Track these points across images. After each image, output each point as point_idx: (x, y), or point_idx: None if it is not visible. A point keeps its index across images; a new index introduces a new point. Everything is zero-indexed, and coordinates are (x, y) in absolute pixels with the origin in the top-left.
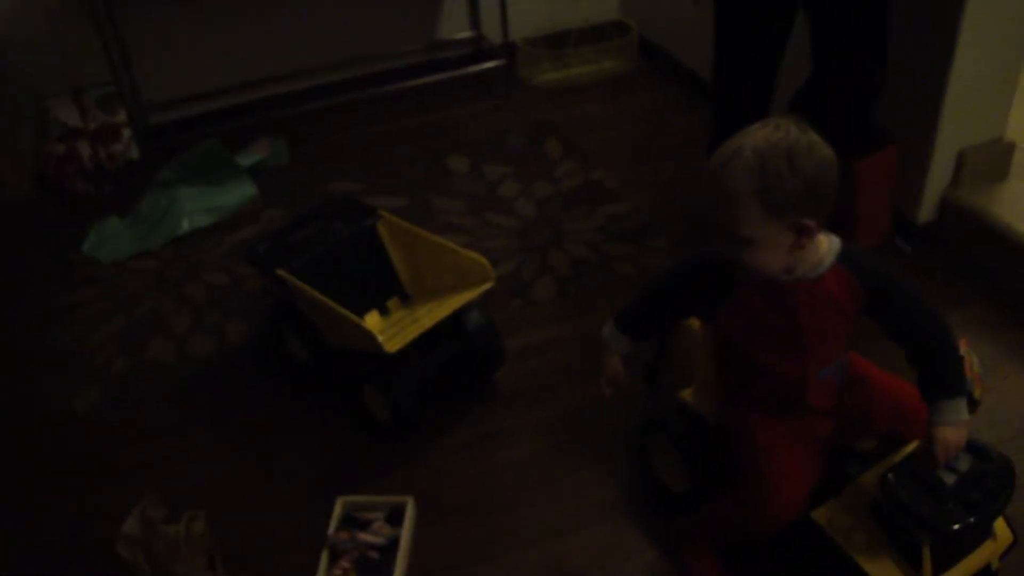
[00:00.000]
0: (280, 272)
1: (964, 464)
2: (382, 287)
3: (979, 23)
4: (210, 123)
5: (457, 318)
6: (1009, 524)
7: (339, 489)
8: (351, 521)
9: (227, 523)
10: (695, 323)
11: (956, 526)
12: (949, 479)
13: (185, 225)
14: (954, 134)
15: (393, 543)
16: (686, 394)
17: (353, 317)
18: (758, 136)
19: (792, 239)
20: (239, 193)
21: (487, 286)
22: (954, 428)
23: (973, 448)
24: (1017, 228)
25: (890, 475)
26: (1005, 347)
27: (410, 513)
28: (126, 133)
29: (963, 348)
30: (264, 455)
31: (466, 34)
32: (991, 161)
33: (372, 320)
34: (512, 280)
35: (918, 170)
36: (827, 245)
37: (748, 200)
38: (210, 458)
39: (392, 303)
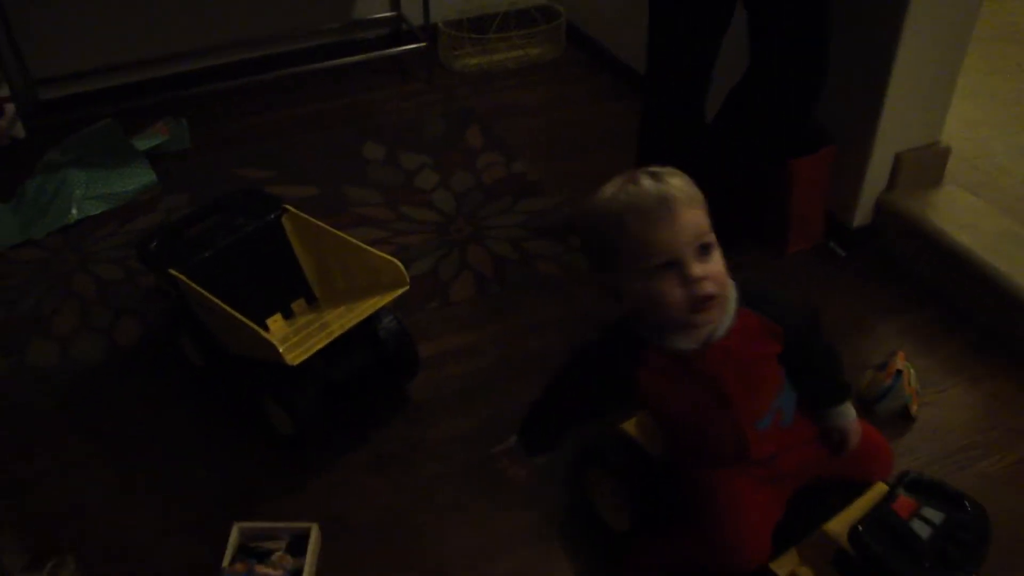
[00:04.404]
0: (173, 272)
1: (937, 517)
2: (287, 288)
3: (922, 21)
4: (105, 101)
5: (368, 324)
6: None
7: (236, 513)
8: (248, 551)
9: (109, 555)
10: None
11: None
12: (923, 532)
13: (75, 213)
14: (893, 136)
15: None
16: (629, 425)
17: (252, 325)
18: (641, 173)
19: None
20: (136, 179)
21: (401, 291)
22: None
23: (946, 495)
24: (951, 235)
25: (860, 526)
26: (941, 358)
27: (314, 541)
28: (9, 108)
29: (900, 362)
30: (153, 474)
31: (385, 14)
32: (927, 165)
33: (275, 324)
34: (429, 279)
35: (854, 172)
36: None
37: (702, 205)
38: (93, 476)
39: (297, 305)
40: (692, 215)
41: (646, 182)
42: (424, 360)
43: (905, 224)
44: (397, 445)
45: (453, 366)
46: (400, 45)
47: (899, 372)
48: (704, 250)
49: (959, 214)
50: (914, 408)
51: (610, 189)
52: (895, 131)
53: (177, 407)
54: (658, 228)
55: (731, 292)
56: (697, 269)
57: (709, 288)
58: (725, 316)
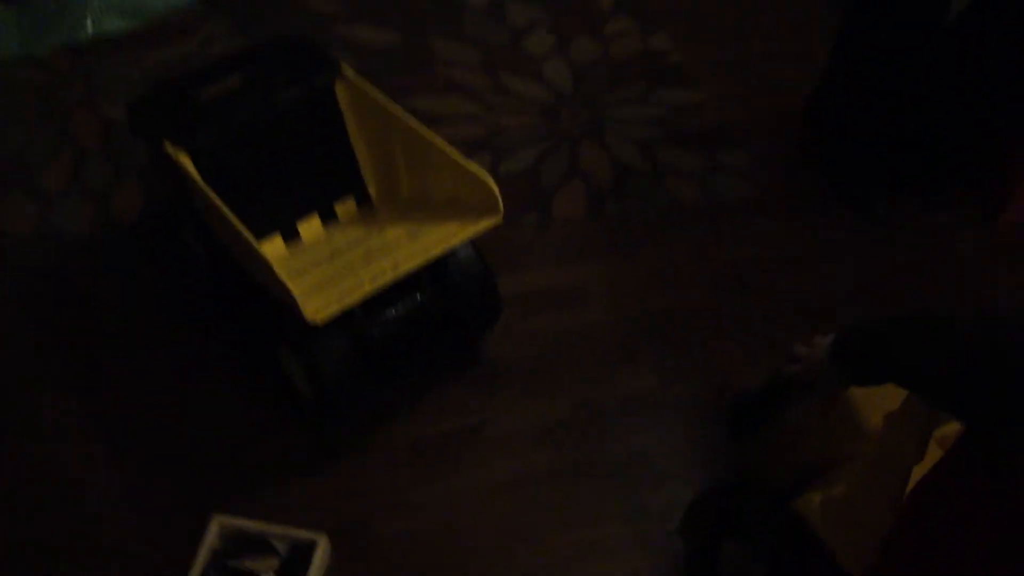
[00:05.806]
0: (170, 146)
1: None
2: (332, 182)
3: None
4: None
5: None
6: None
7: (218, 498)
8: (227, 556)
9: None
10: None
11: None
12: None
13: (90, 28)
14: None
15: None
16: (806, 505)
17: (265, 257)
18: None
19: None
20: None
21: (490, 223)
22: None
23: None
24: None
25: None
26: None
27: (320, 557)
28: None
29: None
30: (116, 416)
31: None
32: None
33: (309, 231)
34: (527, 181)
35: None
36: None
37: None
38: (42, 399)
39: (343, 208)
40: None
41: None
42: (507, 299)
43: None
44: (454, 426)
45: (546, 316)
46: None
47: None
48: None
49: None
50: None
51: None
52: None
53: (170, 320)
54: None
55: None
56: None
57: None
58: None
